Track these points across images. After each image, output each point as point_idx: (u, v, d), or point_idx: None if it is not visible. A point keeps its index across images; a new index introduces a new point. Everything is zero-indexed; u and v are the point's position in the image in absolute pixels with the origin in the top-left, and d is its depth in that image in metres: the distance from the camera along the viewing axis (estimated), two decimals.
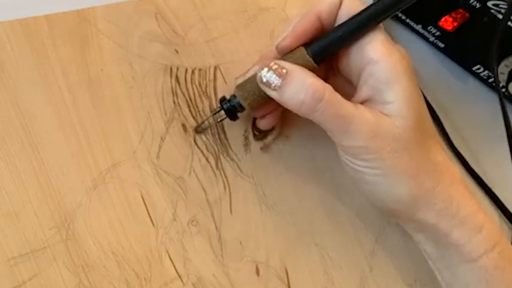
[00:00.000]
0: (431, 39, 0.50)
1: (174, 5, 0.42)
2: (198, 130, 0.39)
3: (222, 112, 0.37)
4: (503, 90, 0.49)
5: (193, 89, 0.40)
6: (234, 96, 0.37)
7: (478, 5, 0.44)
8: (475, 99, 0.50)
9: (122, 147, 0.37)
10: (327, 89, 0.33)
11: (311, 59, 0.34)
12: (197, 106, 0.40)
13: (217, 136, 0.39)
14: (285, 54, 0.35)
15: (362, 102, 0.34)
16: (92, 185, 0.36)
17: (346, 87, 0.37)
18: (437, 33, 0.49)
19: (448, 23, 0.47)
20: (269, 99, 0.35)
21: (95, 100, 0.38)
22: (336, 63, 0.37)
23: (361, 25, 0.34)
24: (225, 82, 0.41)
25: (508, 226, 0.46)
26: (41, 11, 0.38)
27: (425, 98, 0.47)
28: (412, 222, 0.35)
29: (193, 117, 0.39)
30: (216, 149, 0.39)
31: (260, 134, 0.40)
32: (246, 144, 0.40)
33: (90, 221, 0.35)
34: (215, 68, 0.41)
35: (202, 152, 0.39)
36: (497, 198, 0.46)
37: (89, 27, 0.39)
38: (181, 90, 0.40)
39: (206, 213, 0.37)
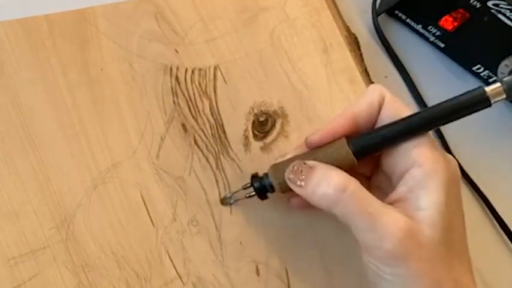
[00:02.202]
0: (432, 39, 0.50)
1: (174, 5, 0.42)
2: (224, 202, 0.38)
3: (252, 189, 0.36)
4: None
5: (193, 88, 0.40)
6: (266, 174, 0.36)
7: (478, 5, 0.44)
8: None
9: (122, 147, 0.37)
10: (351, 181, 0.32)
11: (351, 152, 0.33)
12: (197, 106, 0.40)
13: (217, 136, 0.39)
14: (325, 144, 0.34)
15: (395, 202, 0.33)
16: (91, 185, 0.36)
17: (389, 188, 0.35)
18: (438, 33, 0.49)
19: (448, 22, 0.47)
20: None
21: (95, 100, 0.38)
22: (381, 162, 0.36)
23: (411, 129, 0.33)
24: (225, 82, 0.41)
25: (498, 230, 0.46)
26: (41, 11, 0.38)
27: (423, 99, 0.48)
28: None
29: (193, 117, 0.39)
30: (216, 149, 0.39)
31: (260, 134, 0.40)
32: (246, 144, 0.40)
33: (90, 221, 0.35)
34: (215, 68, 0.41)
35: (202, 152, 0.39)
36: (493, 208, 0.46)
37: (89, 27, 0.39)
38: (181, 90, 0.40)
39: (206, 213, 0.37)
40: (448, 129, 0.48)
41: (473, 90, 0.32)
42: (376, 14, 0.50)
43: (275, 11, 0.44)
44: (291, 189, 0.34)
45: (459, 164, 0.46)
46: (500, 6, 0.42)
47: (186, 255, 0.36)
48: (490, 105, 0.32)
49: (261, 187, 0.36)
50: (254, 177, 0.36)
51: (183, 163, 0.38)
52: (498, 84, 0.32)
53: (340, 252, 0.39)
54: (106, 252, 0.35)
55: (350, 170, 0.33)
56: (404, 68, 0.49)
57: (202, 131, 0.39)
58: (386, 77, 0.49)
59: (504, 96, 0.32)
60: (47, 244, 0.34)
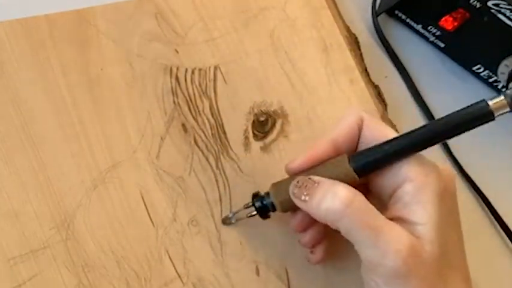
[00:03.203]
0: (432, 39, 0.50)
1: (174, 5, 0.42)
2: (226, 222, 0.38)
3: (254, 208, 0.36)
4: (504, 90, 0.49)
5: (193, 89, 0.40)
6: (267, 194, 0.35)
7: (478, 5, 0.44)
8: (475, 99, 0.50)
9: (122, 147, 0.37)
10: (357, 196, 0.31)
11: (352, 170, 0.33)
12: (197, 106, 0.40)
13: (217, 136, 0.39)
14: (327, 160, 0.34)
15: (392, 219, 0.32)
16: (91, 185, 0.36)
17: (375, 206, 0.34)
18: (438, 33, 0.49)
19: (448, 22, 0.47)
20: None
21: (95, 100, 0.38)
22: (367, 179, 0.35)
23: (414, 144, 0.32)
24: (225, 82, 0.41)
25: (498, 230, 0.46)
26: (41, 11, 0.38)
27: (423, 99, 0.48)
28: None
29: (193, 117, 0.39)
30: (216, 149, 0.39)
31: (260, 134, 0.40)
32: (246, 144, 0.40)
33: (90, 221, 0.35)
34: (215, 68, 0.41)
35: (202, 152, 0.39)
36: (493, 208, 0.46)
37: (89, 27, 0.39)
38: (181, 90, 0.40)
39: (206, 213, 0.37)
40: None
41: (476, 104, 0.32)
42: (376, 14, 0.50)
43: (275, 11, 0.44)
44: (292, 209, 0.34)
45: (459, 164, 0.46)
46: (500, 6, 0.42)
47: (186, 255, 0.36)
48: (493, 119, 0.32)
49: (263, 206, 0.35)
50: (255, 196, 0.36)
51: (183, 163, 0.38)
52: (501, 97, 0.31)
53: (340, 252, 0.39)
54: (106, 252, 0.35)
55: None
56: (404, 68, 0.49)
57: (202, 131, 0.39)
58: (386, 77, 0.49)
59: (508, 109, 0.31)
60: (47, 244, 0.34)
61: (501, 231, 0.45)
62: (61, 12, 0.39)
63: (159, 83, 0.39)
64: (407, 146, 0.32)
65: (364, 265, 0.32)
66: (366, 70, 0.46)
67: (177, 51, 0.41)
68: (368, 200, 0.33)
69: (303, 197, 0.33)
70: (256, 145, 0.40)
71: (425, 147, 0.32)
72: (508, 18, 0.43)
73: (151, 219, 0.36)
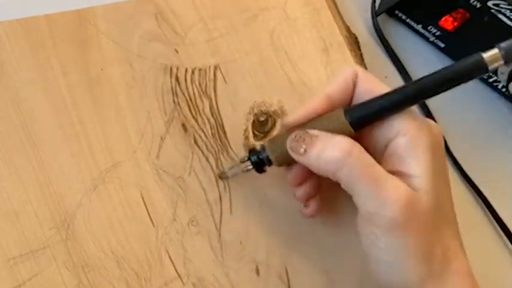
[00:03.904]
0: (432, 39, 0.50)
1: (174, 5, 0.42)
2: (222, 176, 0.38)
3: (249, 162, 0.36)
4: (503, 90, 0.49)
5: (193, 88, 0.40)
6: (263, 148, 0.36)
7: (478, 5, 0.44)
8: (475, 99, 0.50)
9: (122, 147, 0.37)
10: (356, 146, 0.32)
11: (348, 123, 0.33)
12: (197, 106, 0.40)
13: (217, 136, 0.39)
14: (322, 115, 0.34)
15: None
16: (92, 185, 0.36)
17: None
18: (438, 33, 0.49)
19: (448, 22, 0.47)
20: None
21: (95, 100, 0.38)
22: (360, 134, 0.35)
23: (408, 97, 0.33)
24: (225, 82, 0.41)
25: (497, 230, 0.46)
26: (41, 11, 0.38)
27: None
28: None
29: (193, 117, 0.39)
30: (216, 149, 0.39)
31: (260, 134, 0.40)
32: (246, 144, 0.40)
33: (90, 221, 0.35)
34: (215, 68, 0.41)
35: (202, 152, 0.39)
36: (492, 207, 0.46)
37: (89, 27, 0.39)
38: (181, 90, 0.40)
39: (206, 213, 0.37)
40: (447, 129, 0.47)
41: (471, 56, 0.32)
42: (376, 14, 0.50)
43: (275, 11, 0.44)
44: (287, 163, 0.35)
45: (458, 164, 0.46)
46: (500, 6, 0.42)
47: (186, 255, 0.36)
48: (487, 71, 0.32)
49: (258, 160, 0.36)
50: (252, 151, 0.36)
51: (183, 163, 0.38)
52: (496, 50, 0.32)
53: (340, 252, 0.39)
54: (106, 252, 0.35)
55: None
56: (404, 68, 0.49)
57: (202, 131, 0.39)
58: (386, 77, 0.49)
59: (502, 62, 0.32)
60: (47, 244, 0.34)
61: (500, 231, 0.45)
62: (61, 12, 0.39)
63: (159, 83, 0.39)
64: (402, 99, 0.33)
65: (363, 217, 0.32)
66: (366, 70, 0.46)
67: (177, 51, 0.41)
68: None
69: (301, 150, 0.33)
70: (256, 145, 0.40)
71: (420, 100, 0.33)
72: (508, 18, 0.43)
73: (151, 219, 0.36)
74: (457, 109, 0.49)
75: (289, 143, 0.34)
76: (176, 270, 0.36)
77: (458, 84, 0.32)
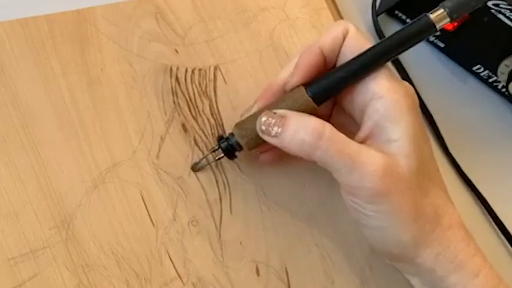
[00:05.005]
0: (431, 39, 0.50)
1: (174, 5, 0.42)
2: (196, 168, 0.38)
3: (221, 150, 0.37)
4: (503, 90, 0.49)
5: (193, 88, 0.40)
6: (231, 134, 0.36)
7: None
8: (475, 99, 0.50)
9: (122, 147, 0.37)
10: (327, 126, 0.32)
11: (310, 99, 0.34)
12: (197, 106, 0.40)
13: (217, 136, 0.39)
14: (285, 94, 0.35)
15: (365, 139, 0.34)
16: (92, 185, 0.36)
17: (351, 125, 0.36)
18: (438, 33, 0.49)
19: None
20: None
21: (95, 100, 0.38)
22: (339, 99, 0.36)
23: (365, 66, 0.33)
24: (225, 82, 0.41)
25: (496, 231, 0.46)
26: (41, 11, 0.38)
27: (421, 99, 0.48)
28: (411, 266, 0.35)
29: (193, 117, 0.39)
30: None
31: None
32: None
33: (90, 221, 0.35)
34: (215, 68, 0.41)
35: (202, 152, 0.39)
36: (491, 209, 0.46)
37: (89, 27, 0.39)
38: (181, 90, 0.40)
39: (206, 213, 0.37)
40: (447, 130, 0.47)
41: (419, 19, 0.34)
42: (376, 14, 0.50)
43: (275, 11, 0.44)
44: (257, 146, 0.35)
45: (457, 164, 0.46)
46: (500, 6, 0.42)
47: (186, 255, 0.36)
48: (436, 30, 0.33)
49: (229, 147, 0.36)
50: (220, 139, 0.37)
51: (183, 163, 0.38)
52: (441, 10, 0.33)
53: (340, 252, 0.39)
54: (106, 252, 0.35)
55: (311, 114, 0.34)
56: (404, 67, 0.49)
57: (202, 131, 0.39)
58: None
59: (448, 19, 0.33)
60: (47, 244, 0.34)
61: (498, 231, 0.45)
62: (61, 12, 0.39)
63: (159, 83, 0.39)
64: (360, 68, 0.33)
65: (344, 190, 0.33)
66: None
67: (177, 51, 0.41)
68: (338, 119, 0.35)
69: (273, 133, 0.33)
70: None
71: (377, 67, 0.33)
72: (508, 18, 0.43)
73: (151, 219, 0.36)
74: (457, 109, 0.49)
75: (259, 127, 0.34)
76: (176, 270, 0.36)
77: (411, 46, 0.34)
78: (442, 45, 0.50)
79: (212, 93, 0.40)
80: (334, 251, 0.39)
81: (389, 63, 0.35)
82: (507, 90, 0.46)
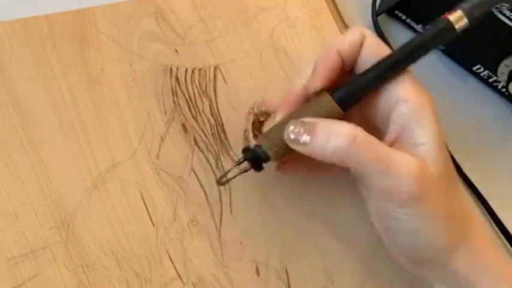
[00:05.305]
0: None
1: (174, 5, 0.42)
2: (221, 182, 0.37)
3: (246, 162, 0.36)
4: (503, 90, 0.49)
5: (193, 88, 0.40)
6: (257, 146, 0.35)
7: None
8: (475, 99, 0.50)
9: (122, 147, 0.37)
10: (357, 130, 0.32)
11: (337, 105, 0.33)
12: (197, 106, 0.40)
13: (217, 136, 0.39)
14: (310, 101, 0.35)
15: (392, 143, 0.33)
16: (92, 185, 0.36)
17: (370, 131, 0.35)
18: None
19: None
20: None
21: (95, 100, 0.38)
22: (361, 105, 0.36)
23: (389, 71, 0.33)
24: (225, 82, 0.41)
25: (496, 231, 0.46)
26: (41, 11, 0.38)
27: None
28: (441, 271, 0.34)
29: (193, 117, 0.39)
30: (216, 149, 0.39)
31: (260, 134, 0.40)
32: (246, 144, 0.40)
33: (90, 221, 0.35)
34: (215, 68, 0.41)
35: (202, 152, 0.39)
36: (490, 208, 0.46)
37: (89, 27, 0.39)
38: (181, 90, 0.40)
39: (206, 213, 0.37)
40: (447, 130, 0.47)
41: (438, 21, 0.34)
42: (376, 14, 0.50)
43: (275, 11, 0.44)
44: (285, 155, 0.34)
45: (458, 165, 0.46)
46: (500, 6, 0.42)
47: (186, 255, 0.36)
48: (456, 32, 0.33)
49: (255, 157, 0.35)
50: (245, 150, 0.36)
51: (183, 163, 0.38)
52: (459, 12, 0.33)
53: (341, 252, 0.39)
54: (106, 252, 0.35)
55: None
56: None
57: (202, 131, 0.39)
58: None
59: (466, 20, 0.33)
60: (47, 244, 0.34)
61: (498, 231, 0.45)
62: (61, 12, 0.39)
63: (159, 83, 0.39)
64: (383, 74, 0.33)
65: (377, 196, 0.33)
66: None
67: (177, 51, 0.41)
68: (360, 125, 0.33)
69: (302, 141, 0.32)
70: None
71: (400, 72, 0.34)
72: (508, 18, 0.43)
73: (151, 219, 0.36)
74: (457, 109, 0.49)
75: (287, 136, 0.33)
76: (176, 270, 0.36)
77: (431, 49, 0.34)
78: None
79: (212, 93, 0.40)
80: (334, 251, 0.39)
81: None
82: (507, 90, 0.46)
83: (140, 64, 0.39)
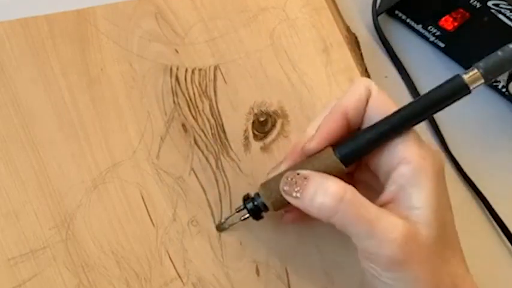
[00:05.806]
0: (432, 39, 0.50)
1: (174, 5, 0.42)
2: (221, 228, 0.37)
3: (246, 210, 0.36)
4: (503, 90, 0.49)
5: (193, 88, 0.40)
6: (257, 194, 0.35)
7: (478, 5, 0.44)
8: (475, 99, 0.50)
9: (122, 147, 0.37)
10: (348, 190, 0.31)
11: (339, 161, 0.33)
12: (197, 106, 0.40)
13: (217, 136, 0.39)
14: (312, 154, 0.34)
15: (388, 203, 0.33)
16: (92, 185, 0.36)
17: (374, 183, 0.35)
18: (438, 33, 0.49)
19: (448, 22, 0.47)
20: None
21: (95, 100, 0.38)
22: (365, 159, 0.35)
23: (394, 128, 0.32)
24: (225, 82, 0.41)
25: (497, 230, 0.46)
26: (41, 11, 0.38)
27: None
28: None
29: (193, 117, 0.39)
30: (216, 149, 0.39)
31: (260, 134, 0.40)
32: (246, 144, 0.40)
33: (90, 221, 0.35)
34: (215, 68, 0.41)
35: (202, 152, 0.39)
36: (492, 208, 0.46)
37: (89, 27, 0.39)
38: (181, 90, 0.40)
39: (206, 213, 0.37)
40: (447, 130, 0.48)
41: (451, 80, 0.32)
42: (376, 14, 0.50)
43: (275, 11, 0.44)
44: (284, 206, 0.34)
45: (458, 164, 0.46)
46: (500, 6, 0.42)
47: (186, 256, 0.36)
48: (469, 92, 0.32)
49: (254, 208, 0.35)
50: (246, 199, 0.36)
51: (183, 163, 0.38)
52: (475, 71, 0.32)
53: (340, 252, 0.39)
54: (106, 252, 0.35)
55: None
56: (404, 68, 0.49)
57: (202, 131, 0.39)
58: (386, 77, 0.49)
59: (482, 81, 0.32)
60: (47, 244, 0.34)
61: (499, 230, 0.45)
62: (61, 12, 0.39)
63: (159, 83, 0.39)
64: (389, 131, 0.32)
65: (362, 255, 0.32)
66: (366, 70, 0.46)
67: (177, 51, 0.41)
68: (362, 177, 0.33)
69: (294, 194, 0.32)
70: (256, 145, 0.40)
71: (406, 130, 0.33)
72: (508, 18, 0.43)
73: (151, 219, 0.36)
74: (457, 109, 0.49)
75: (281, 187, 0.33)
76: (176, 270, 0.36)
77: (442, 109, 0.32)
78: (442, 45, 0.50)
79: (212, 93, 0.40)
80: (334, 252, 0.39)
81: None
82: (507, 90, 0.46)
83: (140, 64, 0.39)
